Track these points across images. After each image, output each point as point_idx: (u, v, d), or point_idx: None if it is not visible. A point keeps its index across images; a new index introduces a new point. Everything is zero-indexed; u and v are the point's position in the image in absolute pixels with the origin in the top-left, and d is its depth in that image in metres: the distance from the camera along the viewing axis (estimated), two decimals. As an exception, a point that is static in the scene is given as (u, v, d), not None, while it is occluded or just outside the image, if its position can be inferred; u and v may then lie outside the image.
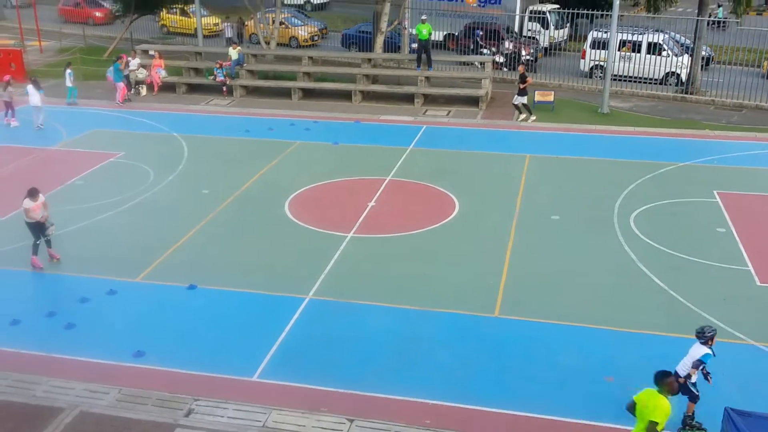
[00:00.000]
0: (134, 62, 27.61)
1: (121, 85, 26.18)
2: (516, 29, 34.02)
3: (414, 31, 28.09)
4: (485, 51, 30.83)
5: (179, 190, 18.36)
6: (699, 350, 9.61)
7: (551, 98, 25.56)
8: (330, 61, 30.73)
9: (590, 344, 11.67)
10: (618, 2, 25.23)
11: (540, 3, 36.03)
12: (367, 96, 27.20)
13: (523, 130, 23.41)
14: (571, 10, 31.52)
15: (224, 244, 15.33)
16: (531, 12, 34.43)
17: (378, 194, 17.94)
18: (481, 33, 31.56)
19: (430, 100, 26.63)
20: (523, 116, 24.05)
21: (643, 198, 17.52)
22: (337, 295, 13.16)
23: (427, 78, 26.74)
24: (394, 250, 15.06)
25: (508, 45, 30.99)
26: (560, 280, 13.72)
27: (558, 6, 35.60)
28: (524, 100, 23.96)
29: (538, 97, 25.62)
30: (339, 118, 24.54)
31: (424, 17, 27.51)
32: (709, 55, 30.44)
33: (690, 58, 27.93)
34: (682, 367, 9.70)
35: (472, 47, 31.51)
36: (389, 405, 10.29)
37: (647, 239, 15.29)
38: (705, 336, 9.62)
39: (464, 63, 29.53)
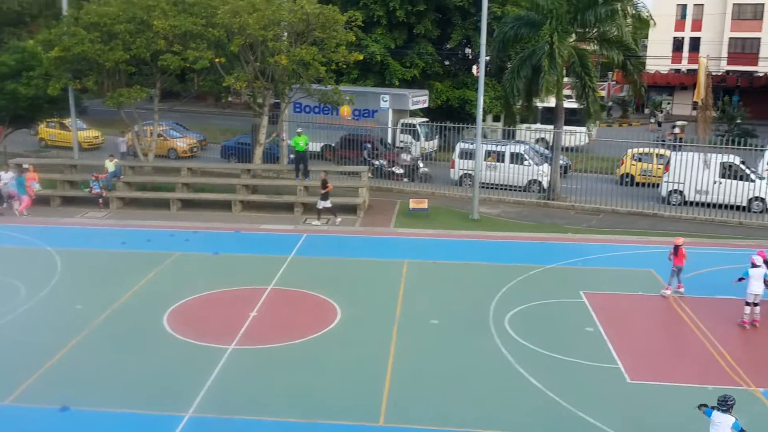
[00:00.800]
0: (7, 176, 26.66)
1: (25, 198, 25.83)
2: (389, 141, 35.64)
3: (291, 143, 28.89)
4: (376, 162, 32.00)
5: (51, 305, 17.52)
6: (726, 419, 10.85)
7: (425, 205, 26.72)
8: (209, 172, 30.85)
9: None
10: (481, 117, 27.20)
11: (410, 116, 38.06)
12: (247, 206, 27.40)
13: (400, 236, 24.21)
14: (439, 123, 33.50)
15: (99, 362, 14.65)
16: (402, 124, 36.27)
17: (260, 304, 17.85)
18: (369, 145, 32.78)
19: (309, 208, 27.12)
20: (318, 222, 25.19)
21: (516, 300, 18.36)
22: (219, 412, 12.80)
23: (306, 187, 27.36)
24: (277, 360, 14.91)
25: (405, 157, 32.22)
26: (442, 384, 14.00)
27: (427, 119, 37.74)
28: (328, 204, 25.12)
29: (413, 204, 26.73)
30: (219, 228, 24.49)
31: (299, 129, 28.48)
32: (567, 164, 32.99)
33: (549, 167, 30.18)
34: None
35: (364, 158, 32.57)
36: None
37: (522, 340, 15.95)
38: (728, 404, 10.87)
39: (342, 172, 30.45)
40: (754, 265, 17.13)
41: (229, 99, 34.91)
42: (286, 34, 28.32)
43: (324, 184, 25.06)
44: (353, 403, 13.20)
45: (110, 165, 27.59)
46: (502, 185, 30.82)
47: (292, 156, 29.27)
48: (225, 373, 14.25)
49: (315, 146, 34.51)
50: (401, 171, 32.03)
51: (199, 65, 27.25)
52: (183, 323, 16.59)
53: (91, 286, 18.91)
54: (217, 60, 27.74)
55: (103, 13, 27.53)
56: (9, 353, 14.91)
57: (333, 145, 34.55)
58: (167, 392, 13.43)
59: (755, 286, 16.89)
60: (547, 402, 13.38)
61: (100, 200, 26.97)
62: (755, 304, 17.03)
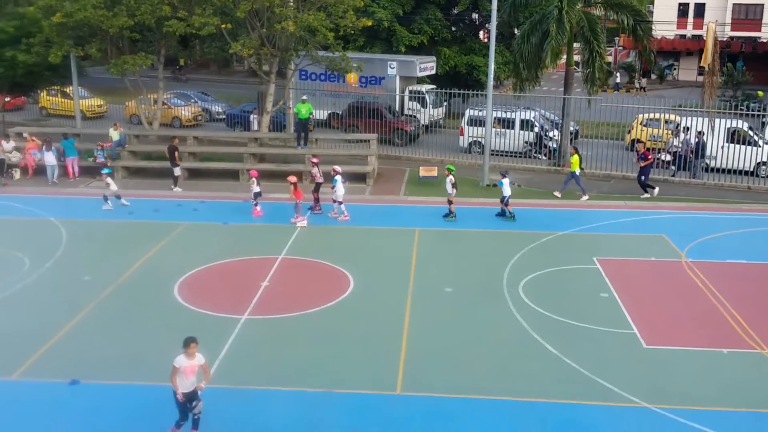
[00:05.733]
0: (8, 145, 26.41)
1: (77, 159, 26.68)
2: (397, 108, 35.20)
3: (294, 110, 28.56)
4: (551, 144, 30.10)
5: (58, 277, 17.35)
6: (506, 180, 22.12)
7: (435, 173, 26.41)
8: (215, 141, 30.52)
9: (493, 416, 11.73)
10: (492, 83, 26.75)
11: (418, 83, 37.55)
12: (255, 175, 27.06)
13: (410, 204, 23.97)
14: (447, 90, 33.02)
15: (109, 334, 14.49)
16: (410, 92, 35.79)
17: (271, 273, 17.68)
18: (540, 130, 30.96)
19: (318, 177, 26.79)
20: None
21: (529, 267, 18.18)
22: (234, 382, 12.65)
23: (314, 156, 26.97)
24: (290, 330, 14.77)
25: (675, 142, 29.00)
26: (459, 352, 13.85)
27: (434, 86, 37.24)
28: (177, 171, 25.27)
29: (423, 172, 26.42)
30: (227, 198, 24.20)
31: (304, 97, 28.08)
32: (576, 129, 32.56)
33: (559, 133, 29.78)
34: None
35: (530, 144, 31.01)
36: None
37: (537, 307, 15.80)
38: (506, 173, 22.37)
39: (350, 140, 30.14)
40: (336, 173, 21.92)
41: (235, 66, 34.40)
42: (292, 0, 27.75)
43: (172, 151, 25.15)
44: (369, 372, 13.05)
45: (115, 134, 27.27)
46: (511, 152, 30.42)
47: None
48: (239, 343, 14.11)
49: (321, 114, 34.21)
50: (669, 158, 29.25)
51: (205, 31, 26.74)
52: (194, 294, 16.43)
53: (98, 257, 18.73)
54: (223, 26, 27.19)
55: (107, -21, 26.98)
56: (15, 326, 14.71)
57: (340, 113, 34.16)
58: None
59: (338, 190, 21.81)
60: (563, 368, 13.26)
61: (106, 170, 26.69)
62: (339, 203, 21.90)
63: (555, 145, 30.33)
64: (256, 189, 22.31)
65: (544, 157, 30.24)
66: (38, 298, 16.14)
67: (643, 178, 25.26)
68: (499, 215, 22.39)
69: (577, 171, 24.74)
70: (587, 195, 24.81)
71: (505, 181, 22.12)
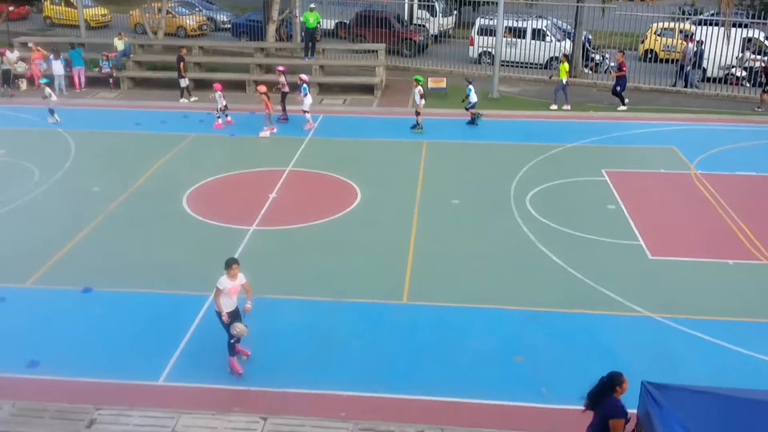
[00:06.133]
0: (13, 56, 26.07)
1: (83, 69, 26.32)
2: (406, 17, 34.34)
3: (302, 19, 27.91)
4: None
5: (67, 188, 17.46)
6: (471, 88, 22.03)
7: (444, 84, 25.99)
8: (221, 51, 30.00)
9: (497, 325, 11.93)
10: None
11: (427, -9, 36.47)
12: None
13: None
14: (457, -2, 32.16)
15: (120, 243, 14.69)
16: (419, 0, 34.83)
17: (279, 185, 17.71)
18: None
19: (325, 89, 26.45)
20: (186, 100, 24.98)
21: (537, 179, 18.12)
22: (244, 290, 12.88)
23: (322, 67, 26.59)
24: (298, 241, 14.91)
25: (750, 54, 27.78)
26: (464, 263, 13.98)
27: (445, -6, 36.21)
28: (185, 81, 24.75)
29: (432, 83, 25.98)
30: (233, 109, 23.79)
31: (312, 5, 27.36)
32: (588, 39, 31.75)
33: (572, 43, 29.08)
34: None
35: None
36: (303, 400, 10.15)
37: (543, 219, 15.83)
38: (470, 80, 22.55)
39: (357, 51, 29.55)
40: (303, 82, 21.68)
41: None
42: None
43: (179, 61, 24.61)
44: (377, 282, 13.24)
45: (120, 43, 26.80)
46: (521, 63, 29.79)
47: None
48: (248, 253, 14.23)
49: (329, 24, 33.42)
50: (744, 74, 27.81)
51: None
52: (203, 205, 16.53)
53: (107, 168, 18.78)
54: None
55: None
56: (27, 236, 14.94)
57: (347, 22, 33.37)
58: (191, 272, 13.47)
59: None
60: (568, 278, 13.40)
61: (111, 80, 26.41)
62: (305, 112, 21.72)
63: (600, 59, 29.55)
64: (223, 102, 21.93)
65: (590, 71, 29.42)
66: (48, 209, 16.29)
67: (618, 88, 24.68)
68: (470, 123, 22.59)
69: (564, 80, 24.24)
70: (557, 106, 24.43)
71: (471, 88, 22.27)
